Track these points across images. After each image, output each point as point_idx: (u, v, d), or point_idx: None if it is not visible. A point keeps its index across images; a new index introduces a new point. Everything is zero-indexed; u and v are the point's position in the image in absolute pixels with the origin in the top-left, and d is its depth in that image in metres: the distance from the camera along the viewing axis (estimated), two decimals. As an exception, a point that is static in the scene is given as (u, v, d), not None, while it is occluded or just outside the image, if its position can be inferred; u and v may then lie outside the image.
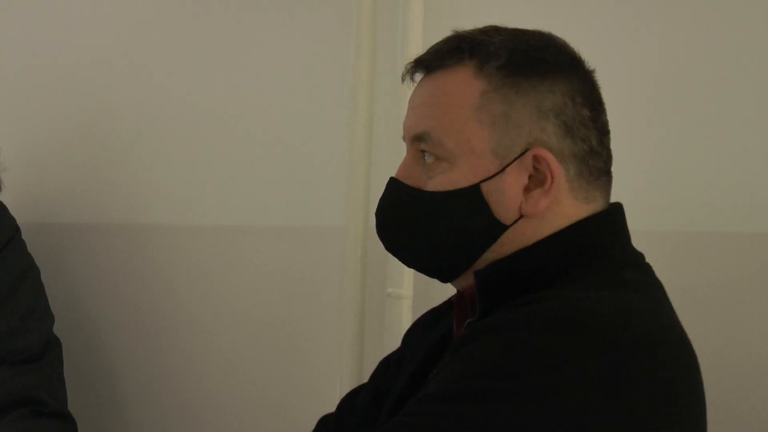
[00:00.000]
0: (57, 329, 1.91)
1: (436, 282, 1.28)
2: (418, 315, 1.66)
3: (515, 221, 1.16)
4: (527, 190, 1.15)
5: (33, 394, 1.79)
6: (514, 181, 1.15)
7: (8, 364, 1.79)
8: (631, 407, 1.06)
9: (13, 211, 1.96)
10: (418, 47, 1.66)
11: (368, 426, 1.30)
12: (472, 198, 1.15)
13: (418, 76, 1.22)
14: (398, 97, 1.72)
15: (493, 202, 1.15)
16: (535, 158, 1.14)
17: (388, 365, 1.36)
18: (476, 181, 1.15)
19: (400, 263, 1.66)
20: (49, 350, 1.86)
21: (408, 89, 1.29)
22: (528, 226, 1.16)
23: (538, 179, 1.15)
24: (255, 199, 1.95)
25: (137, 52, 2.10)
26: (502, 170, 1.15)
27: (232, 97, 1.98)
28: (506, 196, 1.15)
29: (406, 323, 1.72)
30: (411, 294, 1.70)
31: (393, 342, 1.73)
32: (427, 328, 1.33)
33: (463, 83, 1.16)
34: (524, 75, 1.16)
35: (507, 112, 1.15)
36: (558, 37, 1.21)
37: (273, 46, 1.93)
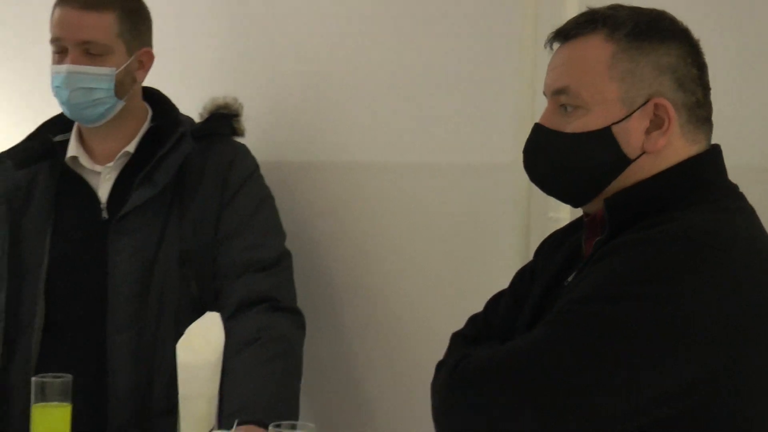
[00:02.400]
0: (286, 244, 2.08)
1: (587, 207, 1.36)
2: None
3: (638, 157, 1.30)
4: (648, 132, 1.29)
5: (270, 293, 1.97)
6: (638, 124, 1.29)
7: (251, 270, 1.98)
8: (742, 310, 1.19)
9: (253, 151, 2.13)
10: (574, 10, 1.69)
11: (509, 323, 1.43)
12: (604, 137, 1.30)
13: (556, 45, 1.36)
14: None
15: (621, 140, 1.30)
16: (656, 106, 1.29)
17: (524, 274, 1.50)
18: (608, 124, 1.29)
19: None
20: (282, 260, 2.03)
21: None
22: (647, 161, 1.30)
23: (656, 123, 1.29)
24: (444, 140, 2.05)
25: (353, 27, 2.23)
26: (629, 115, 1.29)
27: (422, 56, 2.09)
28: (631, 136, 1.29)
29: (565, 241, 1.71)
30: (568, 217, 1.77)
31: (553, 256, 1.69)
32: (556, 245, 1.46)
33: (597, 46, 1.30)
34: (646, 39, 1.30)
35: (633, 69, 1.29)
36: (669, 13, 1.34)
37: (457, 15, 2.03)
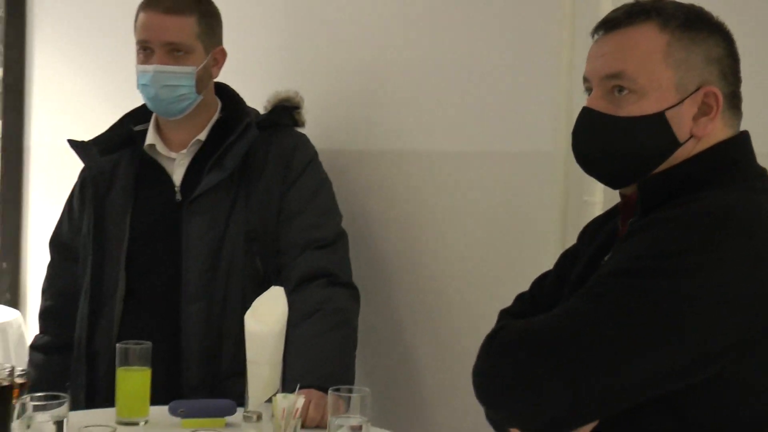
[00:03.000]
0: (342, 225, 2.18)
1: (621, 191, 1.40)
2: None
3: (686, 141, 1.33)
4: (695, 118, 1.32)
5: (328, 269, 2.06)
6: (688, 110, 1.32)
7: (311, 248, 2.08)
8: (763, 285, 1.19)
9: (313, 140, 2.22)
10: (608, 3, 1.77)
11: (553, 301, 1.43)
12: (659, 121, 1.31)
13: (596, 36, 1.37)
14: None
15: (673, 125, 1.32)
16: (706, 94, 1.32)
17: (566, 256, 1.53)
18: (662, 109, 1.31)
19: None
20: (339, 239, 2.13)
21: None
22: (690, 144, 1.33)
23: (703, 110, 1.33)
24: (486, 130, 2.11)
25: (402, 25, 2.31)
26: (681, 101, 1.32)
27: (465, 50, 2.14)
28: (682, 121, 1.32)
29: (599, 223, 1.75)
30: (602, 200, 1.86)
31: (587, 237, 1.70)
32: (597, 229, 1.49)
33: (651, 35, 1.32)
34: (698, 31, 1.33)
35: (686, 58, 1.32)
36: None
37: (499, 10, 2.10)
